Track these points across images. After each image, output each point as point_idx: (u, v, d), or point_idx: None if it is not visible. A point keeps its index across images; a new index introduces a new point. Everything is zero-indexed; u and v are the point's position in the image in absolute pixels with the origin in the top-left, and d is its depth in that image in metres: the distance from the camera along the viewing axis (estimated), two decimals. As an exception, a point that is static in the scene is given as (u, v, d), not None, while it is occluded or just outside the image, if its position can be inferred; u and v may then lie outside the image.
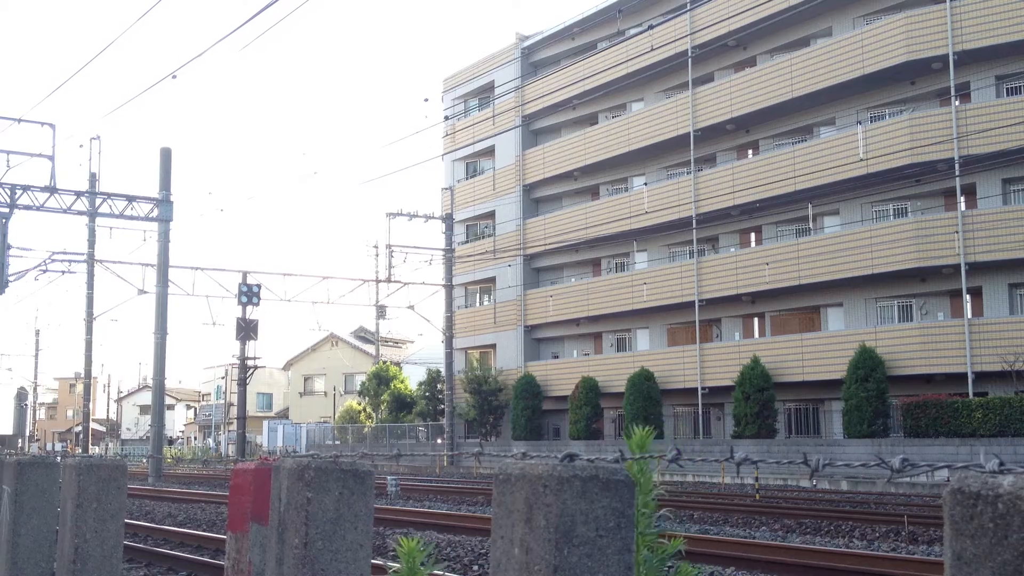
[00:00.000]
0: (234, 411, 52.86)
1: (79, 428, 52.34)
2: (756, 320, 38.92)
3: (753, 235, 38.91)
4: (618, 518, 2.32)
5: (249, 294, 38.10)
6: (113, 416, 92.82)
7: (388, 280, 43.64)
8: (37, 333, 70.86)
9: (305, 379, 73.38)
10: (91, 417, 44.15)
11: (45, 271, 36.52)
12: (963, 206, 32.18)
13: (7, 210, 28.38)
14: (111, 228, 33.60)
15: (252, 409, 64.34)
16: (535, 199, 48.39)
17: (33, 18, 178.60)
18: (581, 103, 43.10)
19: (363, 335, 71.07)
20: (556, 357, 46.16)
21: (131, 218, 31.14)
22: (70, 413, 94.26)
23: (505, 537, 2.40)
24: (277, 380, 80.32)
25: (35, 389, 71.96)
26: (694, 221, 38.71)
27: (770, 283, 36.01)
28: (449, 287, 45.38)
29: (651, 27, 27.10)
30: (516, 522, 2.35)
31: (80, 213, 30.67)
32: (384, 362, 55.33)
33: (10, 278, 29.52)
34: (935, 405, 29.63)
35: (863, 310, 35.03)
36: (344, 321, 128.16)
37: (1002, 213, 31.07)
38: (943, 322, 32.40)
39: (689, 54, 38.68)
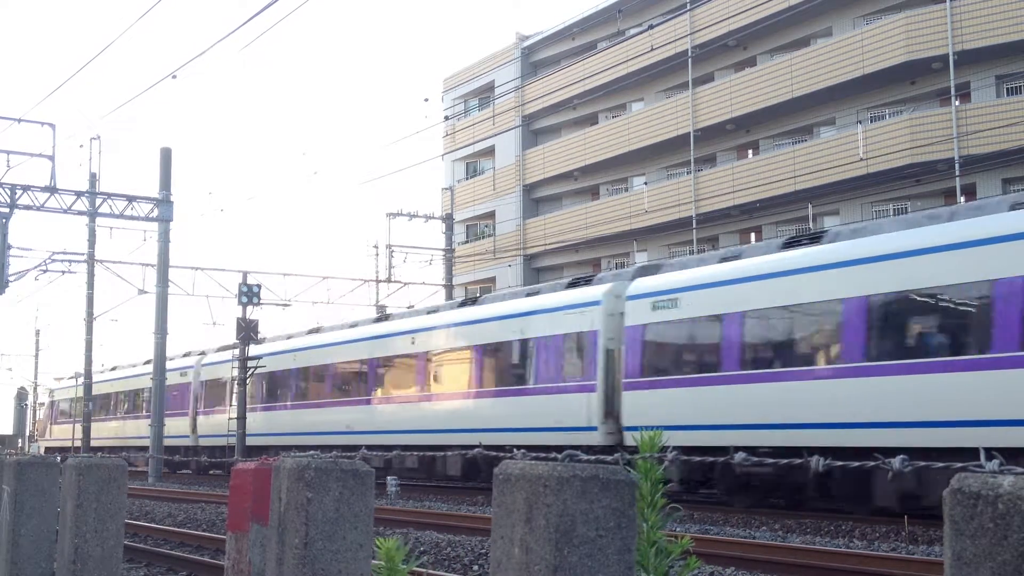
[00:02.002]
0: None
1: (79, 428, 52.21)
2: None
3: (753, 235, 38.86)
4: (618, 518, 2.32)
5: (249, 294, 37.98)
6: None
7: (388, 280, 43.60)
8: (37, 333, 70.77)
9: (305, 379, 73.20)
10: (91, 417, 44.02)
11: (45, 271, 36.42)
12: (963, 206, 32.19)
13: (7, 210, 28.35)
14: (111, 228, 33.51)
15: (252, 409, 63.96)
16: (535, 199, 48.35)
17: (33, 18, 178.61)
18: (581, 103, 43.05)
19: (363, 335, 70.84)
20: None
21: (131, 218, 31.11)
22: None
23: (505, 537, 2.40)
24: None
25: (35, 389, 71.84)
26: (694, 221, 38.67)
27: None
28: (449, 287, 45.34)
29: (651, 27, 27.12)
30: (516, 522, 2.35)
31: (80, 213, 30.64)
32: (384, 362, 55.19)
33: (10, 278, 29.50)
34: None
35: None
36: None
37: (1002, 213, 31.02)
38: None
39: (689, 54, 38.64)
